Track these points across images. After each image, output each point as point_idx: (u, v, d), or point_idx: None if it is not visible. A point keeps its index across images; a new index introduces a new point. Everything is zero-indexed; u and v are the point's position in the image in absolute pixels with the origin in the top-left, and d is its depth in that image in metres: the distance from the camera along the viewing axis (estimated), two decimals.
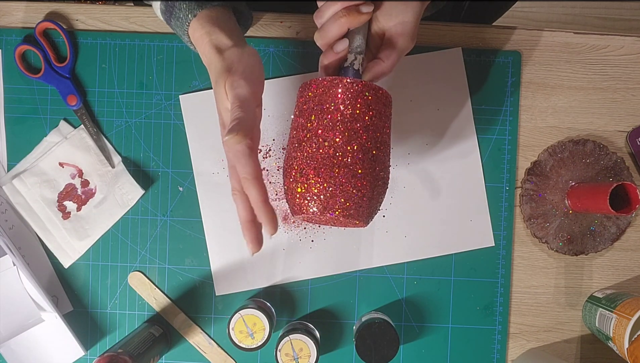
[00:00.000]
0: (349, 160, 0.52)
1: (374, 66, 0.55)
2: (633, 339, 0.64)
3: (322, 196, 0.52)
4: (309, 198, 0.52)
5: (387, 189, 0.57)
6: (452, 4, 0.88)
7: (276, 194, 0.74)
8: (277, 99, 0.74)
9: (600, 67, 0.75)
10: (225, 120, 0.54)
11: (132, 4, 0.78)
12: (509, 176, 0.75)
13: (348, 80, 0.53)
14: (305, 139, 0.53)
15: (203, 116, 0.74)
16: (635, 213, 0.76)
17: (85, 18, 0.75)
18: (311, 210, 0.53)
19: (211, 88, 0.74)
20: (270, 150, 0.74)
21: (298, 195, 0.53)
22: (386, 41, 0.55)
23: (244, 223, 0.54)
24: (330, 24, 0.53)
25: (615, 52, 0.75)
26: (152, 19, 0.75)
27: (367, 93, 0.53)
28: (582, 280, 0.76)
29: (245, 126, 0.49)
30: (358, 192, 0.52)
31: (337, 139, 0.52)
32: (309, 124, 0.53)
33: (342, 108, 0.52)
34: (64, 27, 0.73)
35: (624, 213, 0.65)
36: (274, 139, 0.74)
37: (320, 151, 0.52)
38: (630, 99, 0.76)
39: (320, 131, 0.53)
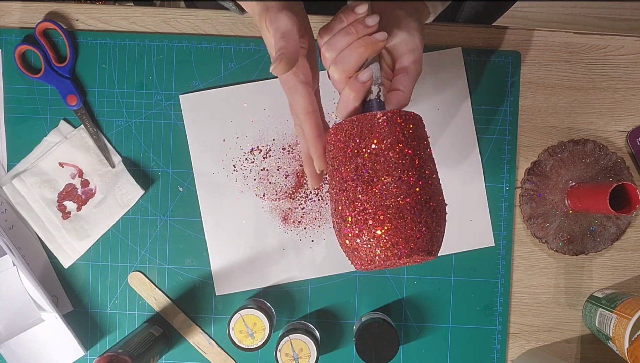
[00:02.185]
0: (414, 193, 0.48)
1: (394, 97, 0.53)
2: (633, 339, 0.64)
3: (401, 238, 0.47)
4: (384, 243, 0.47)
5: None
6: (452, 4, 0.88)
7: (276, 194, 0.74)
8: (277, 99, 0.74)
9: (600, 67, 0.75)
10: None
11: (132, 4, 0.78)
12: (509, 176, 0.75)
13: (388, 113, 0.49)
14: (368, 181, 0.48)
15: (203, 116, 0.74)
16: (635, 213, 0.76)
17: (85, 18, 0.75)
18: (393, 254, 0.47)
19: (211, 88, 0.74)
20: (270, 150, 0.74)
21: (373, 241, 0.47)
22: (400, 70, 0.54)
23: (305, 157, 0.56)
24: (348, 55, 0.51)
25: (615, 52, 0.75)
26: (152, 19, 0.75)
27: (406, 122, 0.50)
28: (582, 280, 0.76)
29: (288, 54, 0.48)
30: (432, 223, 0.48)
31: (397, 176, 0.48)
32: (362, 168, 0.49)
33: (389, 142, 0.48)
34: (64, 27, 0.73)
35: (624, 213, 0.65)
36: (273, 139, 0.74)
37: (384, 190, 0.47)
38: (630, 99, 0.76)
39: (380, 171, 0.48)
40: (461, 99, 0.75)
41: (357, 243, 0.48)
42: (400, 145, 0.48)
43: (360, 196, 0.48)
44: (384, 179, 0.47)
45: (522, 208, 0.75)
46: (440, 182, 0.52)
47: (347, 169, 0.49)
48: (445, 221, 0.51)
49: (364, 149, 0.48)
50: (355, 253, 0.49)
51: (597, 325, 0.71)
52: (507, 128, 0.75)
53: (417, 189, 0.48)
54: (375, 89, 0.52)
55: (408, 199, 0.47)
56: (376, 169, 0.48)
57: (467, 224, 0.74)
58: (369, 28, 0.51)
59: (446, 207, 0.51)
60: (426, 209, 0.48)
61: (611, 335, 0.68)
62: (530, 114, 0.75)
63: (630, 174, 0.74)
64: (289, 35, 0.49)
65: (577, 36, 0.75)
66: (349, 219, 0.48)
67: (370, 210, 0.47)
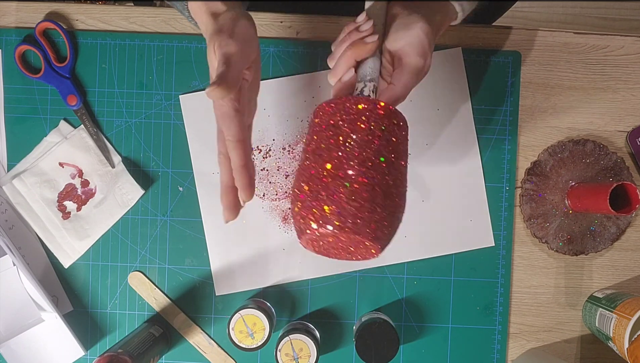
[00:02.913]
0: (359, 177, 0.49)
1: (386, 91, 0.55)
2: (633, 339, 0.64)
3: (350, 212, 0.49)
4: (328, 217, 0.49)
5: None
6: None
7: (276, 194, 0.74)
8: (277, 99, 0.74)
9: (600, 67, 0.75)
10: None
11: (132, 4, 0.78)
12: (509, 176, 0.75)
13: (351, 98, 0.51)
14: (325, 159, 0.51)
15: (203, 116, 0.74)
16: (635, 213, 0.76)
17: (85, 18, 0.75)
18: (330, 226, 0.49)
19: None
20: (270, 150, 0.74)
21: (317, 214, 0.49)
22: (396, 65, 0.56)
23: (224, 187, 0.55)
24: (339, 60, 0.55)
25: (615, 52, 0.75)
26: (152, 19, 0.75)
27: (368, 110, 0.51)
28: (582, 280, 0.76)
29: (227, 80, 0.49)
30: (377, 209, 0.50)
31: (354, 158, 0.50)
32: (322, 145, 0.51)
33: (347, 125, 0.51)
34: (64, 27, 0.73)
35: (624, 213, 0.65)
36: (273, 139, 0.74)
37: (333, 168, 0.50)
38: (630, 99, 0.76)
39: (334, 152, 0.50)
40: (461, 99, 0.75)
41: (299, 209, 0.51)
42: (363, 126, 0.50)
43: (312, 167, 0.51)
44: (337, 155, 0.50)
45: (522, 208, 0.75)
46: (405, 187, 0.53)
47: (310, 143, 0.52)
48: (397, 219, 0.52)
49: (326, 125, 0.52)
50: (301, 221, 0.50)
51: (597, 325, 0.71)
52: (507, 128, 0.75)
53: (369, 173, 0.49)
54: (359, 85, 0.54)
55: (359, 179, 0.49)
56: (330, 145, 0.50)
57: (467, 224, 0.74)
58: (361, 33, 0.54)
59: (402, 207, 0.53)
60: (376, 196, 0.49)
61: (611, 335, 0.68)
62: (530, 114, 0.75)
63: (630, 174, 0.74)
64: (232, 62, 0.51)
65: (577, 36, 0.75)
66: (305, 188, 0.51)
67: (319, 185, 0.50)
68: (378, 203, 0.50)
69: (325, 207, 0.49)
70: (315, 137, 0.52)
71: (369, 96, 0.54)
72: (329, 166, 0.50)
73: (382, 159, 0.51)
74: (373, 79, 0.55)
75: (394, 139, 0.52)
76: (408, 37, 0.54)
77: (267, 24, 0.75)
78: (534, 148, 0.75)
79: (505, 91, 0.75)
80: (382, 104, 0.52)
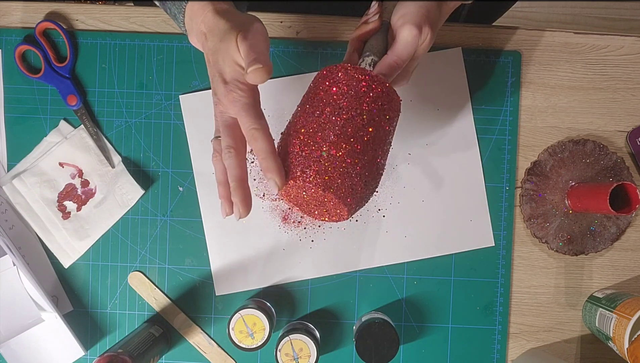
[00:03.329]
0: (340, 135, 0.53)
1: (379, 62, 0.57)
2: (633, 339, 0.64)
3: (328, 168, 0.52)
4: (313, 165, 0.52)
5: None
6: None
7: (276, 194, 0.74)
8: (277, 99, 0.74)
9: (600, 67, 0.75)
10: (232, 73, 0.53)
11: (132, 4, 0.78)
12: (509, 176, 0.75)
13: (349, 66, 0.55)
14: (315, 114, 0.54)
15: (203, 116, 0.74)
16: (635, 213, 0.76)
17: (85, 18, 0.75)
18: (311, 178, 0.52)
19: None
20: None
21: (301, 158, 0.53)
22: (392, 37, 0.58)
23: (240, 181, 0.53)
24: (348, 45, 0.60)
25: (615, 52, 0.75)
26: (152, 19, 0.75)
27: (361, 80, 0.54)
28: (582, 280, 0.76)
29: (267, 62, 0.50)
30: (353, 172, 0.53)
31: (336, 121, 0.53)
32: (321, 104, 0.54)
33: (336, 90, 0.54)
34: (64, 27, 0.73)
35: (624, 213, 0.65)
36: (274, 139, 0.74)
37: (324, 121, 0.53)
38: (630, 99, 0.76)
39: (326, 110, 0.54)
40: (461, 99, 0.75)
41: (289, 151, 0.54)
42: (341, 90, 0.54)
43: (306, 121, 0.54)
44: (327, 110, 0.53)
45: (522, 208, 0.74)
46: (383, 163, 0.56)
47: (304, 104, 0.56)
48: (369, 184, 0.55)
49: (321, 88, 0.55)
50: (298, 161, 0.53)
51: (597, 325, 0.71)
52: (507, 128, 0.75)
53: (344, 135, 0.52)
54: (366, 60, 0.57)
55: (333, 134, 0.52)
56: (323, 101, 0.54)
57: (467, 224, 0.74)
58: (368, 16, 0.58)
59: (375, 174, 0.55)
60: (347, 154, 0.52)
61: (611, 335, 0.68)
62: (530, 114, 0.75)
63: (630, 174, 0.74)
64: (265, 48, 0.52)
65: (577, 36, 0.75)
66: (300, 138, 0.54)
67: (309, 134, 0.53)
68: (356, 171, 0.53)
69: (313, 164, 0.52)
70: (308, 97, 0.56)
71: (370, 67, 0.57)
72: (305, 130, 0.53)
73: (366, 129, 0.54)
74: (372, 54, 0.57)
75: (375, 111, 0.54)
76: (404, 8, 0.56)
77: (267, 24, 0.74)
78: (534, 148, 0.75)
79: (505, 91, 0.75)
80: (367, 75, 0.54)
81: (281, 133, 0.57)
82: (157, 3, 0.62)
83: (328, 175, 0.52)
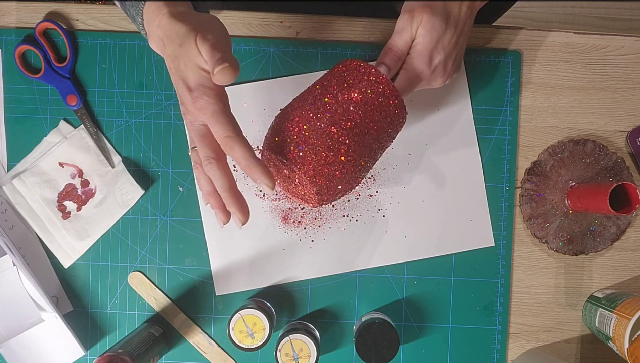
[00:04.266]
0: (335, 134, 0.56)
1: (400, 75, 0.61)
2: (633, 339, 0.64)
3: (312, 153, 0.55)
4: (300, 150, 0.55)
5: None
6: None
7: (276, 194, 0.74)
8: (277, 99, 0.74)
9: (600, 67, 0.75)
10: (196, 79, 0.50)
11: None
12: (509, 176, 0.75)
13: (357, 61, 0.59)
14: (321, 104, 0.58)
15: None
16: (635, 213, 0.76)
17: (85, 18, 0.75)
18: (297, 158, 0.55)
19: None
20: None
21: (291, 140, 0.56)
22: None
23: (230, 190, 0.51)
24: None
25: (615, 52, 0.75)
26: None
27: (365, 75, 0.58)
28: (582, 280, 0.76)
29: (233, 61, 0.47)
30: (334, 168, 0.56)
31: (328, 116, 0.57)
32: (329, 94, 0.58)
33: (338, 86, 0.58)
34: (64, 27, 0.73)
35: (624, 213, 0.65)
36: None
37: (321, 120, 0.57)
38: (630, 99, 0.76)
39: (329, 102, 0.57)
40: (461, 99, 0.75)
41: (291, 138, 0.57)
42: (338, 86, 0.58)
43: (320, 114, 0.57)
44: (315, 103, 0.58)
45: (522, 208, 0.74)
46: (369, 163, 0.60)
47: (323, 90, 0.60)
48: (347, 183, 0.58)
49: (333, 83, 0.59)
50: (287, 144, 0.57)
51: (597, 325, 0.71)
52: (507, 128, 0.75)
53: (327, 129, 0.56)
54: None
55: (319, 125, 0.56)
56: (320, 92, 0.58)
57: (467, 224, 0.74)
58: None
59: (352, 172, 0.58)
60: (321, 145, 0.55)
61: (611, 335, 0.68)
62: (530, 114, 0.75)
63: (630, 174, 0.74)
64: (227, 46, 0.50)
65: (577, 36, 0.75)
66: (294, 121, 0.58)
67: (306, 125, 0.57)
68: (338, 161, 0.56)
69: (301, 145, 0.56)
70: (319, 85, 0.59)
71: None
72: (308, 115, 0.57)
73: (363, 124, 0.57)
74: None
75: (370, 109, 0.57)
76: (417, 39, 0.60)
77: (267, 24, 0.75)
78: (534, 148, 0.75)
79: (505, 91, 0.75)
80: (374, 70, 0.57)
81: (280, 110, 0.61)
82: (116, 3, 0.59)
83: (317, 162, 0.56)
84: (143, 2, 0.53)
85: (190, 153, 0.54)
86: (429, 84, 0.63)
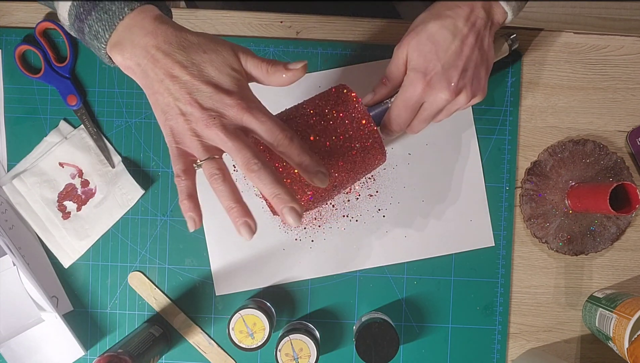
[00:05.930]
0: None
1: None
2: (633, 339, 0.64)
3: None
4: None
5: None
6: None
7: None
8: (277, 99, 0.74)
9: (600, 67, 0.75)
10: (234, 81, 0.51)
11: None
12: (509, 176, 0.75)
13: (340, 88, 0.61)
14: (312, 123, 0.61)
15: None
16: (635, 213, 0.76)
17: None
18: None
19: None
20: None
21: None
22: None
23: (238, 203, 0.50)
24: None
25: (615, 52, 0.75)
26: None
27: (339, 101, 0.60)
28: (582, 280, 0.76)
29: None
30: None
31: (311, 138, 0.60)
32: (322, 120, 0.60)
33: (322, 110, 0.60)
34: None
35: (624, 213, 0.65)
36: None
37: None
38: (630, 99, 0.76)
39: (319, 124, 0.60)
40: None
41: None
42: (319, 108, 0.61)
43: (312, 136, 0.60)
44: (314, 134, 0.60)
45: (522, 208, 0.74)
46: (343, 183, 0.61)
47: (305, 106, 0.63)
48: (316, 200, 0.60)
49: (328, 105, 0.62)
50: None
51: (597, 325, 0.71)
52: (507, 128, 0.75)
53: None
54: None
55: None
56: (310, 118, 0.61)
57: (467, 224, 0.74)
58: None
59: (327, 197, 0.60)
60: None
61: (611, 335, 0.68)
62: (530, 114, 0.75)
63: (630, 174, 0.74)
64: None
65: (577, 36, 0.75)
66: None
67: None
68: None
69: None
70: (310, 104, 0.62)
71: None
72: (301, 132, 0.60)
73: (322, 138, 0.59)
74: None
75: (332, 125, 0.59)
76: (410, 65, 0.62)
77: (267, 24, 0.75)
78: (534, 148, 0.75)
79: (505, 91, 0.75)
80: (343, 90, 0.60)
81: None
82: (61, 18, 0.55)
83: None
84: (128, 10, 0.50)
85: (196, 166, 0.52)
86: (433, 96, 0.60)
